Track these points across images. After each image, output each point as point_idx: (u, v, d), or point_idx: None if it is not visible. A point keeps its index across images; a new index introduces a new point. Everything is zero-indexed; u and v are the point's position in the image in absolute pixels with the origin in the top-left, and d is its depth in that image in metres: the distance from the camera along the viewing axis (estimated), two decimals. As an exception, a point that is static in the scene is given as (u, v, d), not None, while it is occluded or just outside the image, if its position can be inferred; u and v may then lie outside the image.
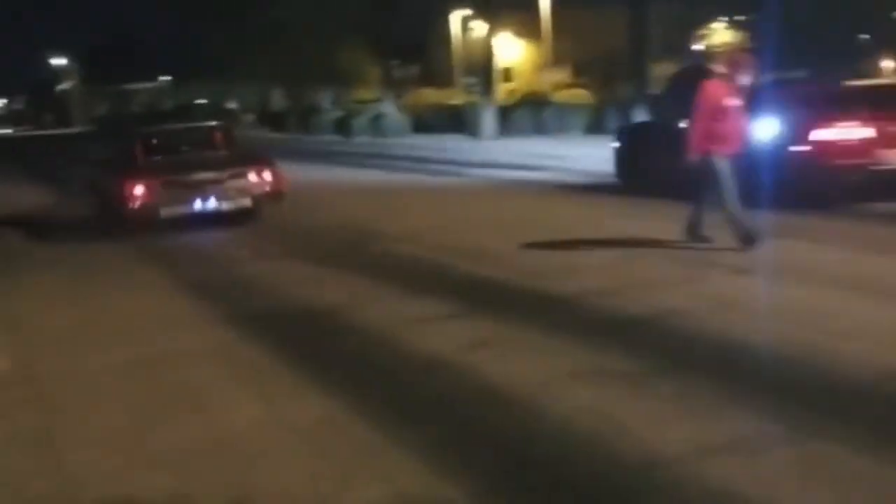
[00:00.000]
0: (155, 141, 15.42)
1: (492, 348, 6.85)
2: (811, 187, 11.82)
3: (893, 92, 14.36)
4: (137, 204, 13.35)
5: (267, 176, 14.16)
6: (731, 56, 10.66)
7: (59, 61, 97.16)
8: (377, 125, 40.13)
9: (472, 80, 40.77)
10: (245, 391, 6.17)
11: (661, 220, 11.55)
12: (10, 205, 19.53)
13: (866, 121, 11.99)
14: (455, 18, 47.77)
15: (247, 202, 13.99)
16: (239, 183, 13.91)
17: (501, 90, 41.01)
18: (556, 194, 16.48)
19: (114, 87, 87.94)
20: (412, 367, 6.59)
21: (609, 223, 12.24)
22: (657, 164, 13.86)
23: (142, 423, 5.67)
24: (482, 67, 36.69)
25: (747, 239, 9.59)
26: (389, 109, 40.94)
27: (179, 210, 13.55)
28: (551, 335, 7.12)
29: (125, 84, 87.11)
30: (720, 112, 9.58)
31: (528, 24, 45.34)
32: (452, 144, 31.95)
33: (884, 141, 11.93)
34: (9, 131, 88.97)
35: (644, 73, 32.07)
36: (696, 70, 18.25)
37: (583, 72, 46.24)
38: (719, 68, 9.92)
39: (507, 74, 48.52)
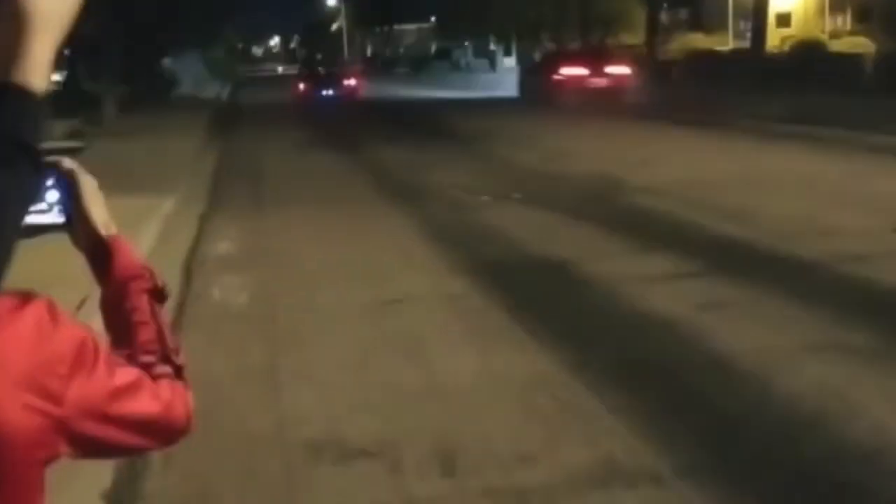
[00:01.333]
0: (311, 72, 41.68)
1: (724, 312, 6.53)
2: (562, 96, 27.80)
3: (597, 52, 33.93)
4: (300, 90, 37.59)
5: (353, 82, 37.91)
6: None
7: (331, 2, 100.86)
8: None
9: (745, 25, 38.91)
10: (466, 341, 6.17)
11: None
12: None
13: (584, 65, 29.53)
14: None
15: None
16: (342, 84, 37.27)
17: (775, 36, 38.93)
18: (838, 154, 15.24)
19: (381, 29, 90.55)
20: (637, 327, 6.38)
21: (883, 187, 11.31)
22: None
23: (362, 365, 5.78)
24: (754, 11, 34.89)
25: None
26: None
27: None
28: (792, 302, 6.71)
29: (393, 25, 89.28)
30: None
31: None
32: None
33: (591, 74, 29.01)
34: (280, 69, 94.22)
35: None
36: None
37: (864, 17, 43.13)
38: None
39: (784, 19, 46.01)
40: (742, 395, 5.07)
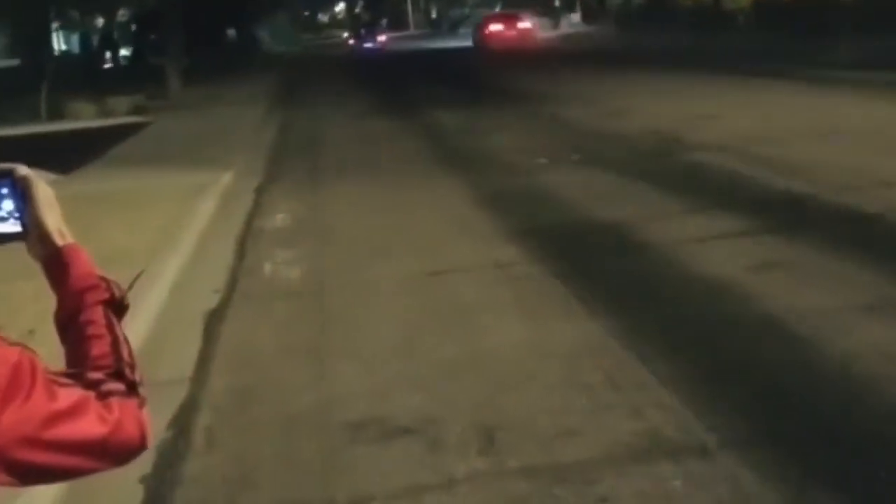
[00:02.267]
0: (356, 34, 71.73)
1: (781, 271, 6.35)
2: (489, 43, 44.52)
3: (511, 15, 50.14)
4: (350, 44, 67.52)
5: (383, 38, 65.76)
6: None
7: None
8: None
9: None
10: (515, 311, 6.08)
11: None
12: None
13: (502, 23, 47.67)
14: None
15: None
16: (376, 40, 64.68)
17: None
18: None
19: None
20: (690, 290, 6.23)
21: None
22: None
23: (408, 339, 5.72)
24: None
25: None
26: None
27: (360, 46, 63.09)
28: (852, 260, 6.49)
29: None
30: None
31: None
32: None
33: (506, 29, 46.37)
34: (345, 35, 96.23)
35: None
36: None
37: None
38: None
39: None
40: (796, 360, 4.89)
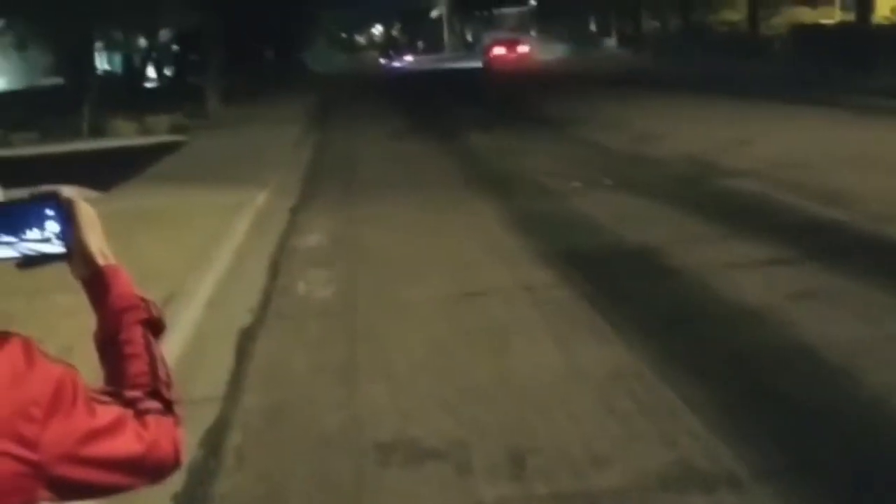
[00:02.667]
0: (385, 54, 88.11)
1: (816, 299, 6.30)
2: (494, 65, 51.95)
3: (512, 40, 58.67)
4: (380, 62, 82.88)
5: (409, 58, 78.21)
6: None
7: None
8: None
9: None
10: (547, 335, 6.06)
11: None
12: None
13: (504, 47, 56.20)
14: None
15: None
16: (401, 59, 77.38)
17: (884, 6, 37.52)
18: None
19: (482, 13, 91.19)
20: (724, 317, 6.19)
21: None
22: None
23: (440, 361, 5.73)
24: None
25: None
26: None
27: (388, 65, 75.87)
28: (889, 289, 6.42)
29: (493, 9, 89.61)
30: None
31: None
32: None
33: (508, 52, 55.00)
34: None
35: None
36: None
37: None
38: None
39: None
40: (831, 391, 4.85)
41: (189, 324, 6.67)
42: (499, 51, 55.76)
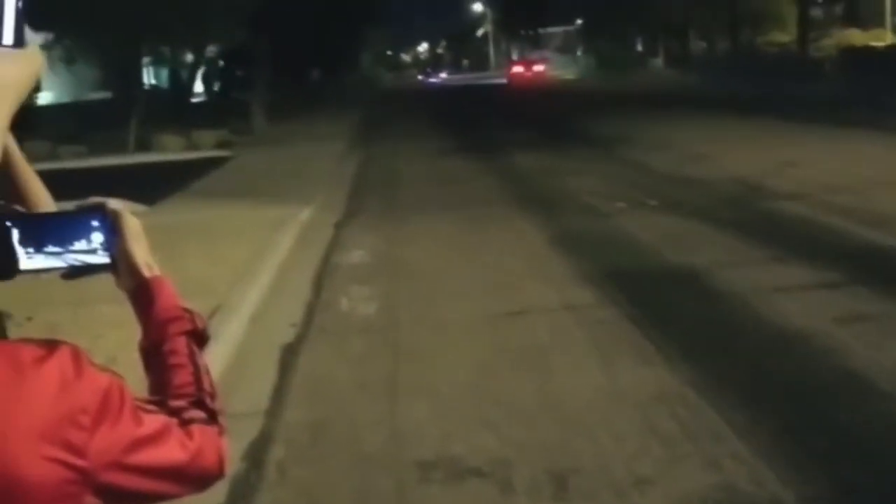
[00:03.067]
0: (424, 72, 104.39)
1: (863, 326, 6.20)
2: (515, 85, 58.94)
3: (529, 60, 73.11)
4: (419, 79, 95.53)
5: (444, 75, 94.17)
6: None
7: (477, 7, 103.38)
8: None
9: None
10: (590, 355, 6.03)
11: None
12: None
13: (522, 66, 68.59)
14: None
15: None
16: (437, 76, 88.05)
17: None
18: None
19: (527, 32, 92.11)
20: (770, 341, 6.12)
21: None
22: None
23: (481, 379, 5.72)
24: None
25: None
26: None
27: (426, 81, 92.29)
28: (939, 316, 6.32)
29: (538, 28, 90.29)
30: None
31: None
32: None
33: (525, 70, 66.72)
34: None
35: None
36: None
37: None
38: None
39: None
40: (879, 417, 4.78)
41: (233, 338, 6.71)
42: (517, 69, 67.88)
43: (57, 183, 1.66)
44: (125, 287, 1.54)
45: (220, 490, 4.29)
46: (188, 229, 10.77)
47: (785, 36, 44.03)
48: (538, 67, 67.28)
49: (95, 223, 1.50)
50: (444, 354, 6.27)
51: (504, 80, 64.88)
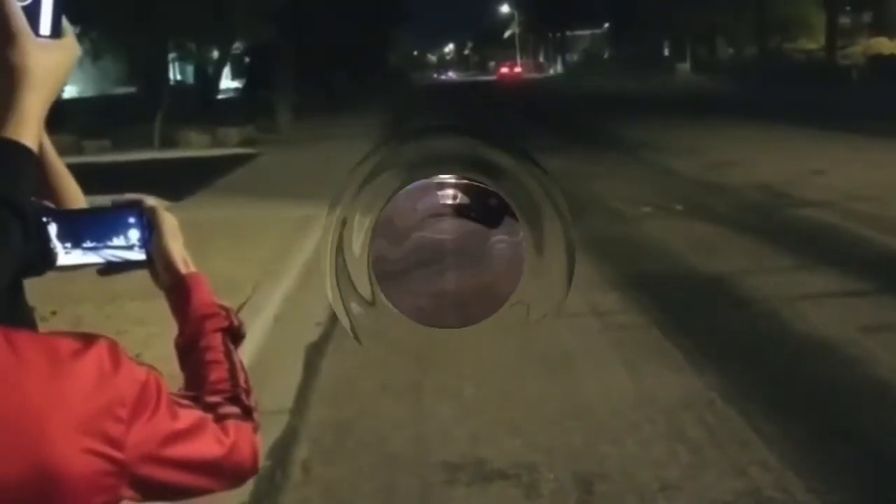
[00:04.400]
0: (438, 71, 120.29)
1: (891, 334, 6.17)
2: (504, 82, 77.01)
3: (512, 62, 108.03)
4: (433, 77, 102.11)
5: (451, 74, 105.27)
6: None
7: (504, 9, 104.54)
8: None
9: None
10: (615, 360, 6.01)
11: None
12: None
13: (506, 67, 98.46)
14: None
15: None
16: (448, 75, 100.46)
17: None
18: None
19: (553, 35, 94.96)
20: (796, 348, 6.08)
21: None
22: None
23: (507, 382, 5.69)
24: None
25: None
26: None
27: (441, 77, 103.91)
28: (969, 327, 6.27)
29: (566, 31, 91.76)
30: None
31: None
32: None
33: (509, 71, 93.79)
34: (453, 76, 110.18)
35: None
36: None
37: None
38: None
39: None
40: (907, 428, 4.74)
41: (257, 337, 6.71)
42: (504, 70, 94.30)
43: (81, 177, 1.66)
44: (162, 283, 1.55)
45: (244, 488, 4.29)
46: (213, 226, 10.79)
47: (812, 43, 43.82)
48: (517, 69, 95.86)
49: (132, 220, 1.51)
50: (468, 357, 6.14)
51: (494, 77, 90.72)
